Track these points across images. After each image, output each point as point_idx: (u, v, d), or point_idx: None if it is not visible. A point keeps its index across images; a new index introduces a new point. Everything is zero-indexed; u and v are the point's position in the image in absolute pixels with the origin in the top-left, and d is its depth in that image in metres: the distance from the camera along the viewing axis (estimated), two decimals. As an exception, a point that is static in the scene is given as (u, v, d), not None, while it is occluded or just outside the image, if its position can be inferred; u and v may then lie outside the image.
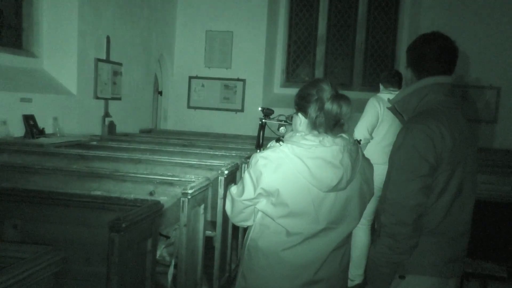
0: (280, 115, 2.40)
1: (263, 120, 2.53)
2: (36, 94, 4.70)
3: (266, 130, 2.55)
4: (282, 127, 2.34)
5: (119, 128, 6.19)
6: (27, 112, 4.52)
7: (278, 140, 1.85)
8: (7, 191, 2.50)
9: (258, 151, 1.87)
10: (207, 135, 6.86)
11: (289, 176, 1.76)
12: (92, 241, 2.46)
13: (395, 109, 2.09)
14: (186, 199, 2.78)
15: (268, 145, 1.88)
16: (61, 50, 5.22)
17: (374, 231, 3.25)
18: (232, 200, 1.91)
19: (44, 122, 4.73)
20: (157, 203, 2.40)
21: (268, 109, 2.54)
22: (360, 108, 3.99)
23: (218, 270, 3.58)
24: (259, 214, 1.90)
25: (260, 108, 2.58)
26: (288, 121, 2.25)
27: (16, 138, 4.31)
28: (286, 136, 1.86)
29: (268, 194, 1.79)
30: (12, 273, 1.39)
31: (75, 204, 2.42)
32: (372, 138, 3.97)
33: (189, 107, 8.18)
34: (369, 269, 2.00)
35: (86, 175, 3.30)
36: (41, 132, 4.58)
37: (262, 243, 1.87)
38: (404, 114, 2.06)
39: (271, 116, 2.49)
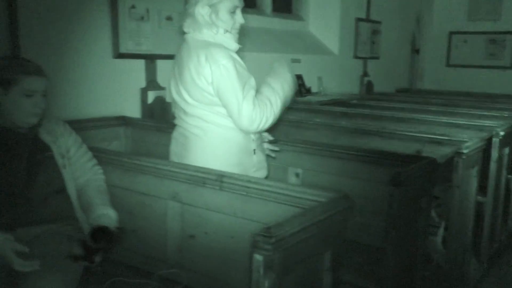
0: None
1: None
2: (304, 55, 5.04)
3: None
4: None
5: (375, 88, 6.21)
6: (296, 72, 4.88)
7: None
8: (290, 143, 2.75)
9: None
10: (469, 95, 6.32)
11: None
12: (363, 194, 2.53)
13: None
14: (461, 159, 2.63)
15: None
16: (325, 12, 5.46)
17: None
18: None
19: (310, 82, 5.05)
20: (433, 161, 2.33)
21: None
22: None
23: (488, 239, 3.33)
24: None
25: None
26: None
27: (287, 96, 4.72)
28: None
29: None
30: (313, 214, 1.53)
31: (351, 157, 2.52)
32: None
33: (448, 65, 7.66)
34: None
35: (353, 131, 3.41)
36: (308, 91, 4.92)
37: None
38: None
39: None
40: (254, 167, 2.18)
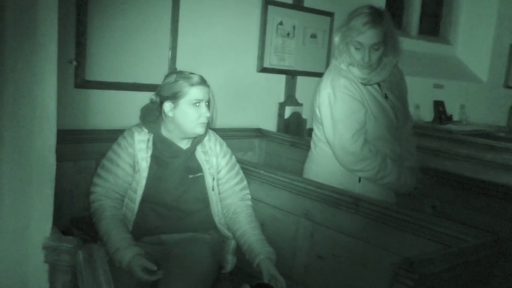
0: None
1: None
2: (447, 80, 4.78)
3: None
4: None
5: (526, 121, 5.66)
6: (438, 98, 4.65)
7: None
8: (428, 172, 2.59)
9: None
10: None
11: None
12: (510, 237, 2.30)
13: None
14: None
15: None
16: (475, 36, 5.14)
17: None
18: None
19: (452, 109, 4.77)
20: None
21: None
22: None
23: None
24: None
25: None
26: None
27: (426, 122, 4.51)
28: None
29: None
30: (462, 254, 1.41)
31: (498, 195, 2.31)
32: None
33: None
34: None
35: (499, 167, 3.14)
36: (449, 119, 4.65)
37: None
38: None
39: None
40: None
